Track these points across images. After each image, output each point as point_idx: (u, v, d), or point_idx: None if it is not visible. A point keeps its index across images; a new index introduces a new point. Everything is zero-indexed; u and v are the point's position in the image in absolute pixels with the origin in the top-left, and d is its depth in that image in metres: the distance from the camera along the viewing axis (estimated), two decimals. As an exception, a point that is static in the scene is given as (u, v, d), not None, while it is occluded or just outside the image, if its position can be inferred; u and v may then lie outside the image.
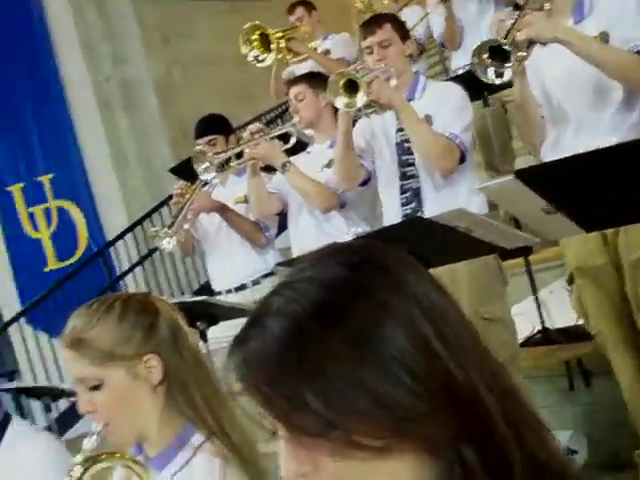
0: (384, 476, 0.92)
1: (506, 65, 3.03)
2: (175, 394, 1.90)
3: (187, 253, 5.26)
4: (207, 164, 4.37)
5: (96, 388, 1.85)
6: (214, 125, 5.02)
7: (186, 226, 4.64)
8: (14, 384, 5.39)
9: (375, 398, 0.88)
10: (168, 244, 4.52)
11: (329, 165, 4.22)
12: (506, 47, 2.98)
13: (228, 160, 4.57)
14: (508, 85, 3.28)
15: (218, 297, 4.85)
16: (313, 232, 4.39)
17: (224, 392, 1.95)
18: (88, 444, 1.83)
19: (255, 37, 5.89)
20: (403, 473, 0.92)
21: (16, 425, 2.73)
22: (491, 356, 1.00)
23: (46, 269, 10.49)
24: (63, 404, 7.46)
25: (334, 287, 0.94)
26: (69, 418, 7.49)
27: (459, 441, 0.92)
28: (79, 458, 1.82)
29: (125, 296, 1.97)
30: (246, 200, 4.76)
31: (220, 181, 4.87)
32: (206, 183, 4.66)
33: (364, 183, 4.11)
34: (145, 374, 1.87)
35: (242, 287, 4.84)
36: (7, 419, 2.70)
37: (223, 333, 3.71)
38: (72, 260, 10.37)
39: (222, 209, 4.78)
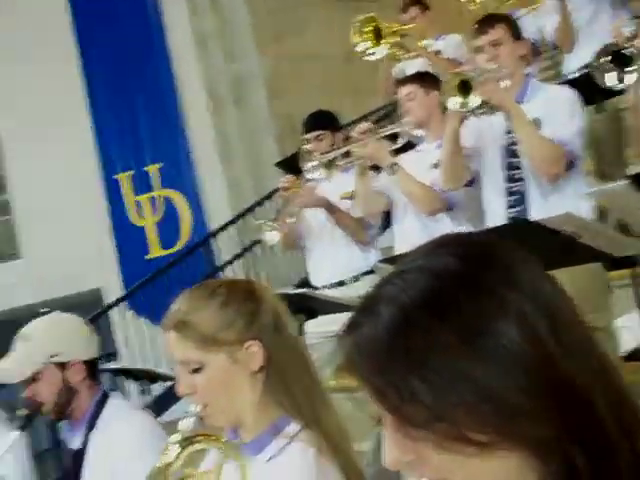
0: (487, 473, 0.90)
1: (628, 69, 2.96)
2: (273, 381, 1.90)
3: (290, 247, 5.27)
4: (314, 163, 4.39)
5: (197, 371, 1.87)
6: (323, 121, 5.05)
7: (290, 220, 4.67)
8: (114, 365, 5.51)
9: (482, 392, 0.87)
10: (272, 237, 4.56)
11: (437, 166, 4.17)
12: (631, 52, 2.93)
13: (335, 158, 4.58)
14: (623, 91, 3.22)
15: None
16: (418, 232, 4.32)
17: (322, 384, 1.96)
18: (184, 425, 1.86)
19: (368, 29, 5.85)
20: (506, 472, 0.91)
21: (115, 401, 2.80)
22: (607, 359, 0.96)
23: (148, 256, 10.70)
24: (156, 389, 7.61)
25: (443, 277, 0.92)
26: (163, 402, 7.63)
27: (567, 444, 0.89)
28: (176, 438, 1.85)
29: (230, 282, 2.00)
30: (352, 196, 4.74)
31: (326, 176, 4.88)
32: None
33: (469, 184, 4.06)
34: (246, 360, 1.88)
35: (341, 283, 4.84)
36: (106, 396, 2.78)
37: (319, 328, 3.73)
38: (175, 249, 10.56)
39: (326, 205, 4.79)
